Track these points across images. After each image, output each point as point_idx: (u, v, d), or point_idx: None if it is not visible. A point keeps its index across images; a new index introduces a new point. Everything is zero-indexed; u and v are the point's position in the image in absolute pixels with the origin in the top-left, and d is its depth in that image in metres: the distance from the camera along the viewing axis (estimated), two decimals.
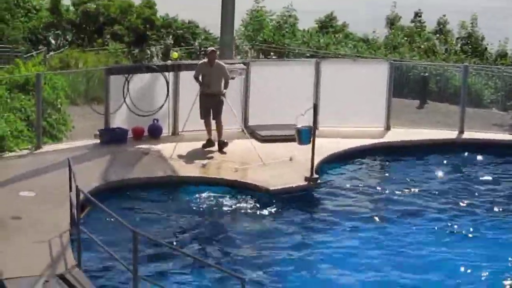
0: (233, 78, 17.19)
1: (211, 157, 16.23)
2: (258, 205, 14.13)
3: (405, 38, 39.46)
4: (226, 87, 16.61)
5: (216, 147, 16.64)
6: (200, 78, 16.58)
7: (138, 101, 17.37)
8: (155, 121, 17.48)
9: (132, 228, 9.60)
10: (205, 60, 16.92)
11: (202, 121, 16.73)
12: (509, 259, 12.36)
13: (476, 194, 15.35)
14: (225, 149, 16.58)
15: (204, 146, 16.73)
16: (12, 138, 16.13)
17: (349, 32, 40.91)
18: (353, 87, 18.47)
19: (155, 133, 17.47)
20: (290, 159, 15.99)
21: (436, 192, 15.32)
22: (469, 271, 11.88)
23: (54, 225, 12.11)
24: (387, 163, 17.28)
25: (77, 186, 11.09)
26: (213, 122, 16.70)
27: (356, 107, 18.41)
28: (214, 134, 16.71)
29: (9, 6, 38.24)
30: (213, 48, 17.60)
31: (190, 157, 16.19)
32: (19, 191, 13.75)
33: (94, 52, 33.82)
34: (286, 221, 13.68)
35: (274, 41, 37.85)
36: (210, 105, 16.58)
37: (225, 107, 16.67)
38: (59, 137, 17.98)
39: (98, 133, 17.15)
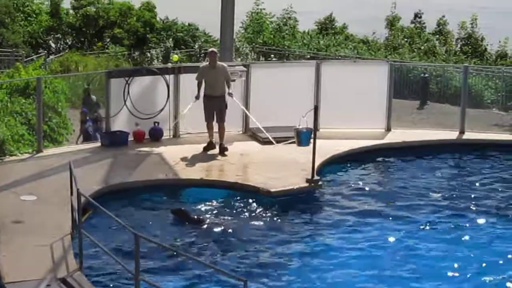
0: (233, 80, 17.16)
1: (212, 160, 16.21)
2: (259, 207, 14.11)
3: (405, 39, 39.48)
4: (229, 88, 16.54)
5: (217, 150, 16.62)
6: (203, 81, 16.55)
7: (139, 104, 17.38)
8: (156, 124, 17.48)
9: (133, 231, 9.59)
10: (207, 63, 16.90)
11: (205, 123, 16.71)
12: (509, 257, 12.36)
13: (477, 194, 15.33)
14: (226, 153, 16.55)
15: (205, 148, 16.69)
16: (13, 142, 16.14)
17: (349, 33, 40.93)
18: (353, 88, 18.43)
19: (156, 136, 17.48)
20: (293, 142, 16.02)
21: (438, 193, 15.32)
22: (473, 272, 11.86)
23: (55, 228, 12.10)
24: (388, 164, 17.26)
25: (78, 190, 11.07)
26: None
27: (357, 108, 18.36)
28: (216, 137, 16.68)
29: (9, 10, 38.25)
30: (213, 49, 17.53)
31: (191, 160, 16.18)
32: (20, 195, 13.74)
33: (94, 56, 33.87)
34: (288, 223, 13.65)
35: (274, 43, 37.89)
36: (214, 107, 16.54)
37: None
38: (60, 140, 17.99)
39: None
